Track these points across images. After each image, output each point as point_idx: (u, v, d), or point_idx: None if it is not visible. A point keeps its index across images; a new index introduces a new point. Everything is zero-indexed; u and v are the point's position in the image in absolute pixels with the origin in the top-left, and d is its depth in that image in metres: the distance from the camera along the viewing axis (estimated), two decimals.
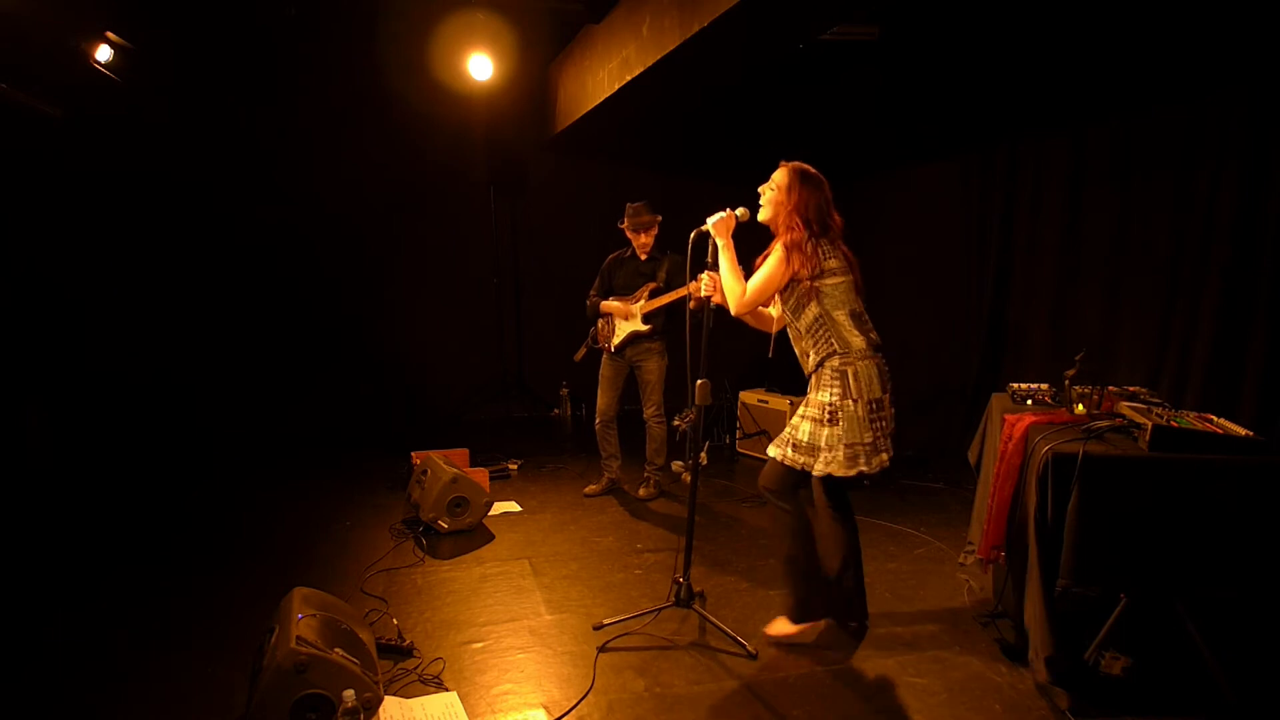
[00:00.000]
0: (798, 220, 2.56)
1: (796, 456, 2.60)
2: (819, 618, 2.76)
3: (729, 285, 2.66)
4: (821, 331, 2.59)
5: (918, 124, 5.18)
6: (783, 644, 2.73)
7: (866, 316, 2.66)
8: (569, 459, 5.44)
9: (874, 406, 2.54)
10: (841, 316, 2.58)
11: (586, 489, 4.59)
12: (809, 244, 2.54)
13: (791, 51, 4.08)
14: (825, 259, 2.55)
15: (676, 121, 5.81)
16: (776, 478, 2.68)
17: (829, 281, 2.56)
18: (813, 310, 2.58)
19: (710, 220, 2.68)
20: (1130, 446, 2.32)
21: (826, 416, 2.55)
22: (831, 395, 2.55)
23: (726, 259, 2.67)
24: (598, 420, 4.48)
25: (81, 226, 5.37)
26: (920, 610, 3.00)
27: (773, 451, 2.68)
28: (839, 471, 2.53)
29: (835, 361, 2.56)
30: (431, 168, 6.34)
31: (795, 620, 2.74)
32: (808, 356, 2.66)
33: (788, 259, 2.54)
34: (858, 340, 2.57)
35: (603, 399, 4.44)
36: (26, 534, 3.90)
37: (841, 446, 2.52)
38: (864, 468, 2.53)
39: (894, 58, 4.55)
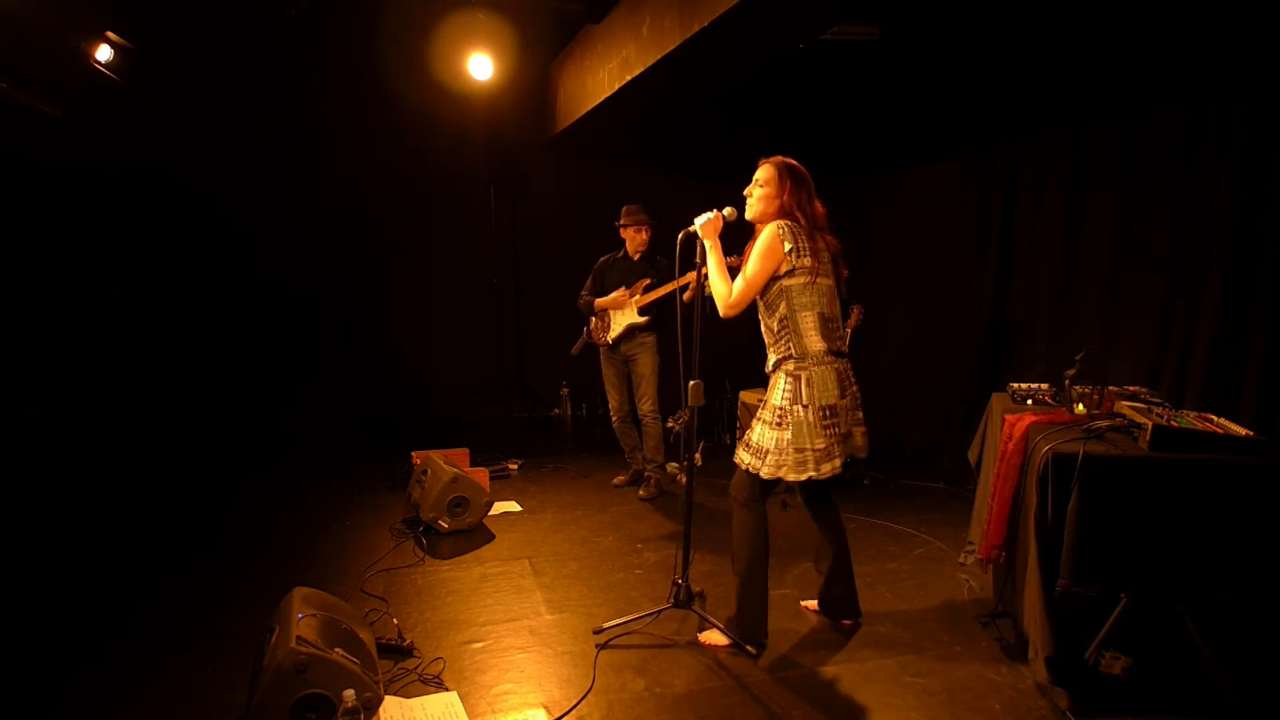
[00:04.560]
0: (787, 215, 2.55)
1: (752, 460, 2.58)
2: (756, 641, 2.68)
3: (716, 287, 2.64)
4: (784, 333, 2.56)
5: (918, 124, 5.17)
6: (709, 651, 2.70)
7: (837, 323, 2.62)
8: (569, 459, 5.44)
9: (826, 412, 2.51)
10: (808, 319, 2.53)
11: (615, 480, 4.79)
12: (792, 237, 2.51)
13: (791, 51, 4.08)
14: (802, 257, 2.51)
15: (676, 121, 5.82)
16: (741, 486, 2.66)
17: (800, 281, 2.52)
18: (782, 310, 2.56)
19: (698, 221, 2.66)
20: (1130, 446, 2.32)
21: (776, 420, 2.53)
22: (782, 399, 2.53)
23: (714, 259, 2.65)
24: (613, 418, 4.63)
25: (81, 226, 5.37)
26: (920, 610, 3.00)
27: (736, 458, 2.66)
28: (791, 476, 2.52)
29: (790, 365, 2.54)
30: (431, 168, 6.35)
31: (733, 635, 2.69)
32: (769, 357, 2.64)
33: (766, 255, 2.52)
34: (817, 345, 2.53)
35: (612, 398, 4.60)
36: (26, 534, 3.90)
37: (791, 450, 2.50)
38: (813, 473, 2.50)
39: (894, 58, 4.55)
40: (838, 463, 2.55)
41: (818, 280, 2.54)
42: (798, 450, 2.50)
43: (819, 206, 2.61)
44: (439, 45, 5.45)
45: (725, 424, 5.77)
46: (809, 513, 2.84)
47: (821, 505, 2.82)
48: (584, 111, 5.43)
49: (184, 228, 5.72)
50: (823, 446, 2.51)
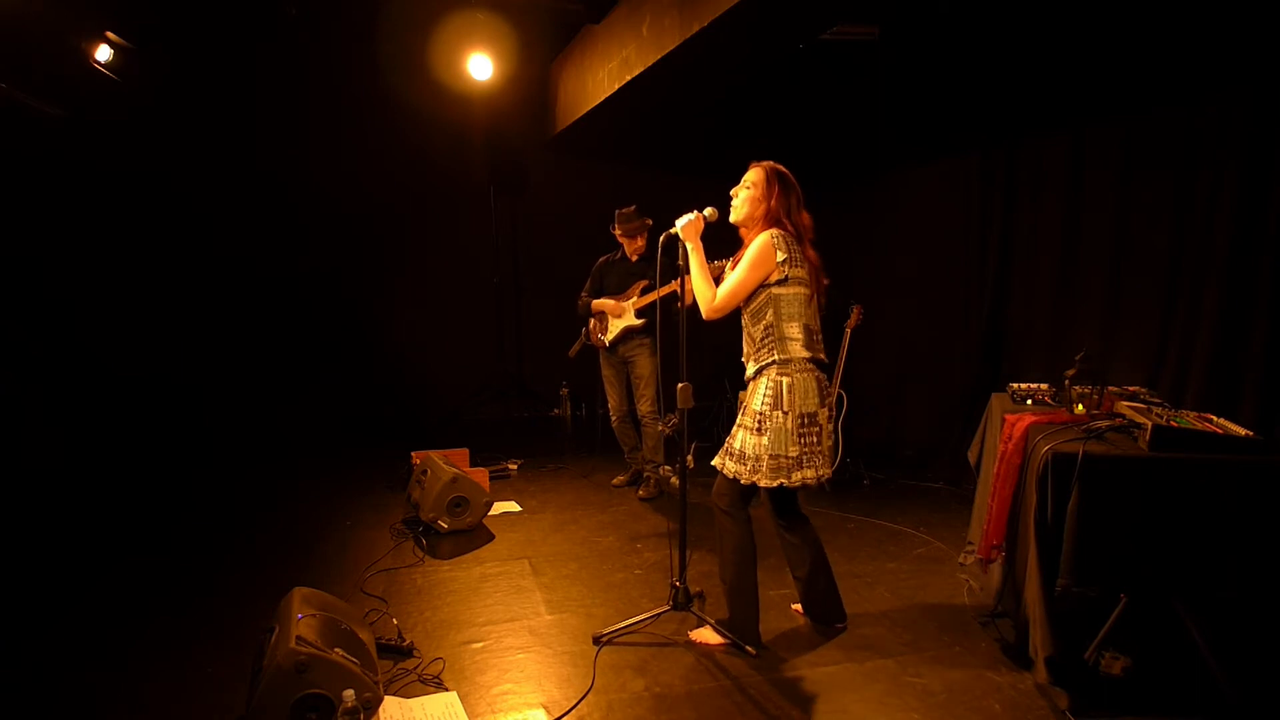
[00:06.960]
0: (774, 221, 2.54)
1: (734, 466, 2.58)
2: (752, 641, 2.66)
3: (699, 289, 2.63)
4: (768, 340, 2.55)
5: (917, 124, 5.18)
6: (702, 650, 2.69)
7: (819, 335, 2.61)
8: (569, 459, 5.44)
9: (805, 420, 2.51)
10: (793, 329, 2.53)
11: (615, 480, 4.80)
12: (786, 247, 2.50)
13: (791, 51, 4.08)
14: (795, 267, 2.51)
15: (676, 121, 5.82)
16: (723, 491, 2.65)
17: (789, 291, 2.52)
18: (768, 318, 2.55)
19: (679, 223, 2.65)
20: (1130, 446, 2.32)
21: (755, 425, 2.53)
22: (763, 404, 2.52)
23: (696, 262, 2.64)
24: (612, 418, 4.63)
25: (82, 226, 5.36)
26: (920, 610, 3.00)
27: (715, 462, 2.65)
28: (764, 482, 2.51)
29: (773, 371, 2.53)
30: (431, 168, 6.34)
31: (731, 634, 2.67)
32: (749, 363, 2.62)
33: (758, 264, 2.51)
34: (800, 352, 2.53)
35: (611, 398, 4.60)
36: (25, 537, 3.90)
37: (767, 457, 2.50)
38: (784, 480, 2.49)
39: (894, 58, 4.55)
40: (809, 473, 2.53)
41: (807, 290, 2.55)
42: (773, 457, 2.50)
43: (805, 217, 2.60)
44: (439, 45, 5.45)
45: (724, 424, 5.77)
46: (779, 523, 2.81)
47: (791, 515, 2.80)
48: (584, 111, 5.43)
49: (183, 227, 5.71)
50: (795, 454, 2.50)
